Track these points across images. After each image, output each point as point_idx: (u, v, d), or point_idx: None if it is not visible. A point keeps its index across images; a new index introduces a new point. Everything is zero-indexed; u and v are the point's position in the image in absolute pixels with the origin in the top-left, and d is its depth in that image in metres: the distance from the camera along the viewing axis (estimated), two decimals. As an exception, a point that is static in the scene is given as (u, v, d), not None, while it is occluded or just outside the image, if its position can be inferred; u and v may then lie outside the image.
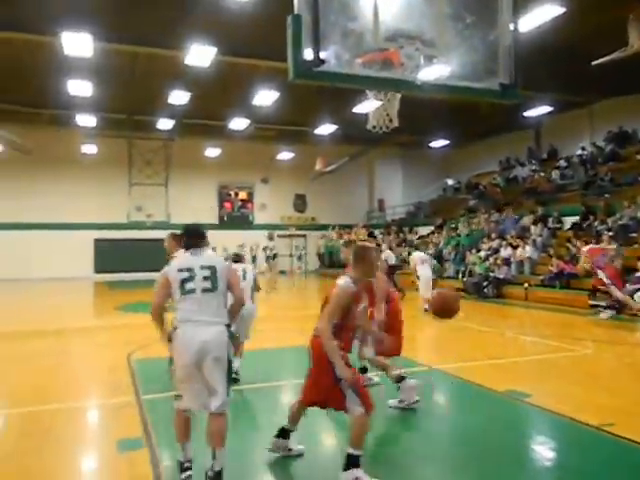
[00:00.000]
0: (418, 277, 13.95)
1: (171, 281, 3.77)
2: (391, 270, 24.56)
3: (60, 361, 8.04)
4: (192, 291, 3.71)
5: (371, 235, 26.61)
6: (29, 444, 4.73)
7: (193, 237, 3.94)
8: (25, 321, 12.59)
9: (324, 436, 5.13)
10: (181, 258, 3.92)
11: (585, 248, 13.49)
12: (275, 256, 24.76)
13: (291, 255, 28.83)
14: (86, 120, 22.42)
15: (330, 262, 28.47)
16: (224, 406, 3.73)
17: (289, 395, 6.24)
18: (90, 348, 9.32)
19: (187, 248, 3.92)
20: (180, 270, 3.76)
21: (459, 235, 21.12)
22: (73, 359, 8.10)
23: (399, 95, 5.22)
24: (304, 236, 31.04)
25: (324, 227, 30.63)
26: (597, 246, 13.36)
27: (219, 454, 3.68)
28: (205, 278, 3.74)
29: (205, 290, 3.72)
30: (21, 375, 7.31)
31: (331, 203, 31.01)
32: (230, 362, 3.81)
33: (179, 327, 3.71)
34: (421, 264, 13.97)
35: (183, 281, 3.72)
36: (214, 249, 6.83)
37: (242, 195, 30.21)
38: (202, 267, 3.76)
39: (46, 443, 4.77)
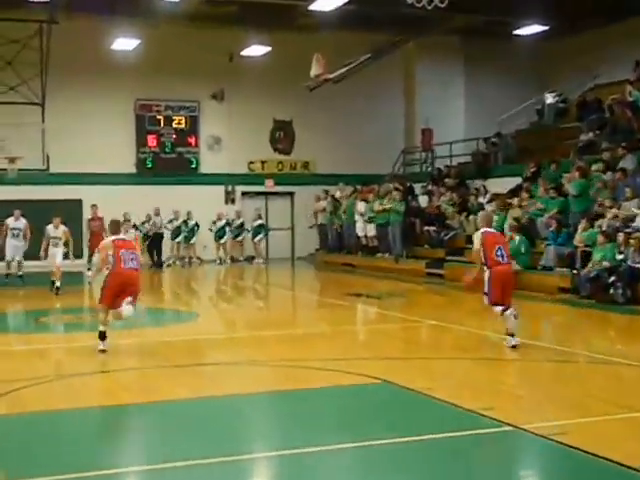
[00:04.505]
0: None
1: (9, 228, 23.76)
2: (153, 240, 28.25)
3: None
4: (15, 233, 23.76)
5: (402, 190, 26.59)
6: None
7: (16, 214, 24.13)
8: None
9: None
10: (11, 222, 23.90)
11: None
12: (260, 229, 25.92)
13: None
14: None
15: (340, 242, 28.67)
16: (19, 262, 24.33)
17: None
18: None
19: (15, 219, 23.98)
20: (13, 225, 23.82)
21: (565, 195, 20.97)
22: None
23: None
24: (290, 194, 31.15)
25: (327, 179, 30.70)
26: None
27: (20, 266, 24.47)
28: (19, 230, 23.79)
29: (17, 235, 23.75)
30: None
31: (338, 138, 31.08)
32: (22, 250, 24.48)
33: (8, 241, 23.70)
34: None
35: (12, 230, 23.63)
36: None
37: (179, 122, 30.37)
38: (18, 227, 23.88)
39: None
